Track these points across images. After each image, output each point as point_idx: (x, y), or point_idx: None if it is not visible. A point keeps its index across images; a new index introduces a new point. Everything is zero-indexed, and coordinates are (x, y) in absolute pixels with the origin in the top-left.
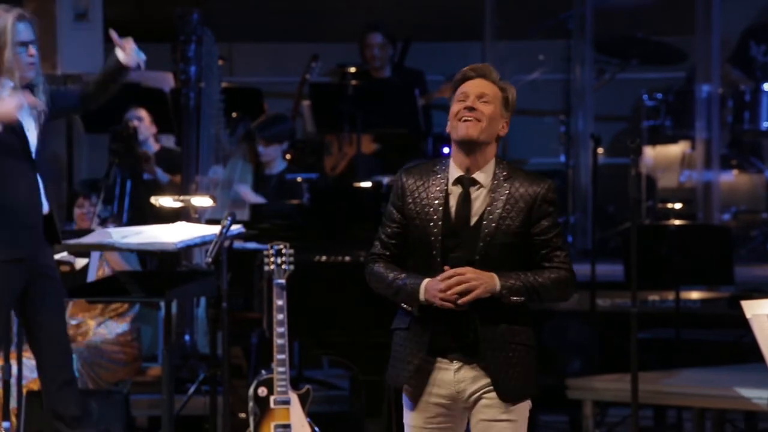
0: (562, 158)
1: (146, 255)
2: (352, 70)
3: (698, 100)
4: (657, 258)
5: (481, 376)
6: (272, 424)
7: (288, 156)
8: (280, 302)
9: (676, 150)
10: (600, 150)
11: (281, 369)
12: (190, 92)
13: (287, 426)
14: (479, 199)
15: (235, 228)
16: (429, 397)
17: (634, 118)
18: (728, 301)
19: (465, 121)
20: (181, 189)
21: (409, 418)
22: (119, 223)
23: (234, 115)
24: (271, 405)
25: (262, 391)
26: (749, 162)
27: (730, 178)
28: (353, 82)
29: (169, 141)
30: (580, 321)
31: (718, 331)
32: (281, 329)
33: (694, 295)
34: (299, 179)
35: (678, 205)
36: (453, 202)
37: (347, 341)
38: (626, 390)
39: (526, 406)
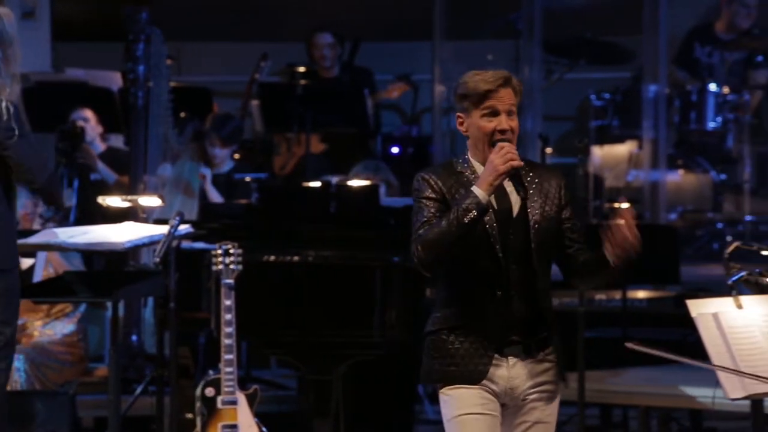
0: None
1: (93, 255)
2: (302, 69)
3: (645, 100)
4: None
5: (534, 371)
6: (219, 425)
7: (236, 156)
8: (228, 302)
9: (623, 150)
10: (548, 149)
11: (229, 369)
12: (139, 92)
13: (234, 426)
14: (512, 190)
15: (184, 228)
16: (479, 389)
17: (581, 118)
18: (674, 300)
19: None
20: (129, 189)
21: (461, 406)
22: (66, 224)
23: (182, 114)
24: (219, 405)
25: (210, 391)
26: (695, 162)
27: (676, 177)
28: (302, 81)
29: (118, 141)
30: None
31: (664, 329)
32: (229, 329)
33: (641, 294)
34: (248, 179)
35: (625, 205)
36: (492, 199)
37: (295, 341)
38: (573, 389)
39: None
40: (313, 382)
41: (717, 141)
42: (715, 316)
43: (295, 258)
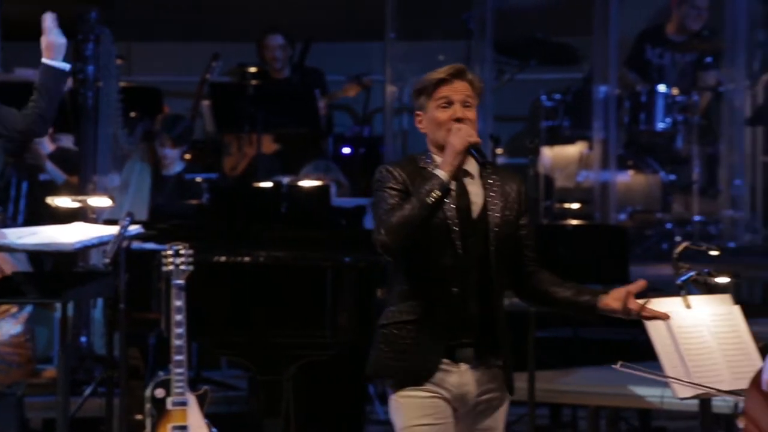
0: None
1: (42, 256)
2: (253, 70)
3: (595, 101)
4: (554, 257)
5: (484, 380)
6: (169, 426)
7: (187, 156)
8: (178, 303)
9: (573, 150)
10: (499, 150)
11: (179, 370)
12: (88, 92)
13: (184, 427)
14: (473, 190)
15: (134, 228)
16: (431, 397)
17: (532, 119)
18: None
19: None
20: (78, 189)
21: (405, 418)
22: (15, 224)
23: (132, 114)
24: (169, 406)
25: (160, 392)
26: (645, 162)
27: (626, 178)
28: (254, 82)
29: (67, 141)
30: None
31: (614, 330)
32: (179, 330)
33: None
34: (198, 179)
35: (575, 205)
36: (451, 194)
37: (246, 341)
38: (523, 389)
39: None
40: (263, 383)
41: (666, 142)
42: None
43: (246, 258)
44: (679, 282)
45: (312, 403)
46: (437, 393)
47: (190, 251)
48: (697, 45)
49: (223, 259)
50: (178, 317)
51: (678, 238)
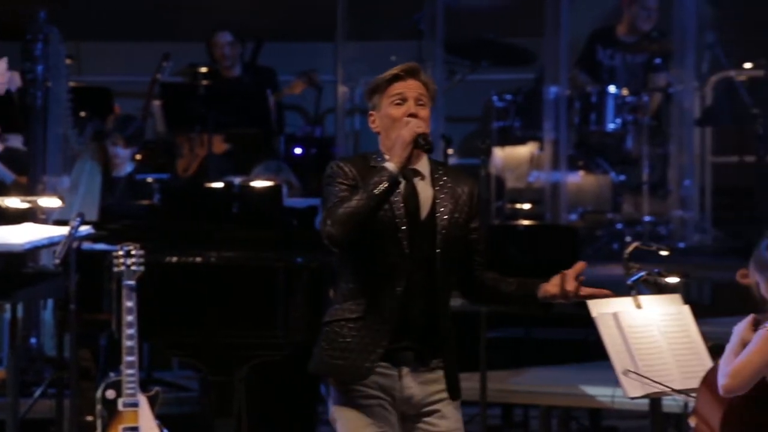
0: None
1: None
2: (204, 69)
3: (546, 102)
4: (505, 258)
5: (428, 382)
6: (120, 427)
7: (138, 156)
8: (129, 304)
9: (524, 151)
10: (450, 150)
11: (130, 371)
12: (37, 91)
13: (135, 429)
14: (423, 191)
15: (84, 229)
16: (369, 398)
17: (484, 119)
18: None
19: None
20: (27, 189)
21: (344, 412)
22: None
23: (82, 114)
24: (120, 407)
25: (111, 393)
26: (595, 163)
27: (576, 178)
28: (205, 81)
29: (16, 141)
30: None
31: (565, 329)
32: (130, 331)
33: None
34: (149, 180)
35: (527, 206)
36: (400, 194)
37: (198, 342)
38: (475, 389)
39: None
40: (215, 383)
41: (616, 142)
42: (615, 315)
43: (198, 259)
44: (629, 282)
45: (264, 403)
46: (381, 397)
47: (141, 252)
48: (646, 46)
49: (174, 259)
50: (129, 318)
51: (628, 239)
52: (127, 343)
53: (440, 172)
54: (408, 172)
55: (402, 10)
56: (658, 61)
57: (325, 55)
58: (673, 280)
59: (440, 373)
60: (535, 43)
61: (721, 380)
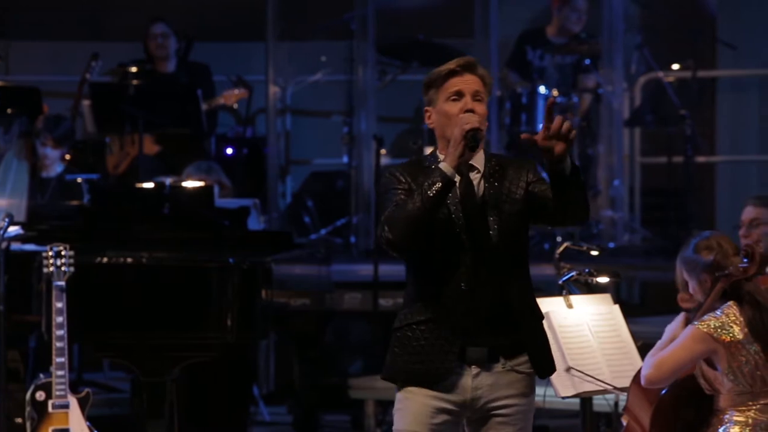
0: (345, 159)
1: None
2: (134, 69)
3: None
4: None
5: (498, 383)
6: (50, 429)
7: (67, 157)
8: (59, 305)
9: None
10: (383, 151)
11: (60, 372)
12: None
13: (66, 431)
14: (479, 184)
15: (13, 229)
16: (438, 401)
17: (415, 119)
18: None
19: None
20: None
21: (408, 423)
22: None
23: (9, 111)
24: (50, 409)
25: (40, 395)
26: None
27: None
28: (134, 81)
29: None
30: (363, 321)
31: None
32: (60, 332)
33: None
34: (79, 180)
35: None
36: (457, 190)
37: (129, 343)
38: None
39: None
40: (146, 385)
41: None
42: (547, 315)
43: (129, 260)
44: (560, 282)
45: (196, 404)
46: (444, 397)
47: (71, 252)
48: (576, 47)
49: (104, 260)
50: (59, 319)
51: (559, 239)
52: (57, 344)
53: (493, 163)
54: (463, 167)
55: (333, 10)
56: (587, 62)
57: (255, 55)
58: (603, 279)
59: (517, 376)
60: (465, 44)
61: (645, 370)
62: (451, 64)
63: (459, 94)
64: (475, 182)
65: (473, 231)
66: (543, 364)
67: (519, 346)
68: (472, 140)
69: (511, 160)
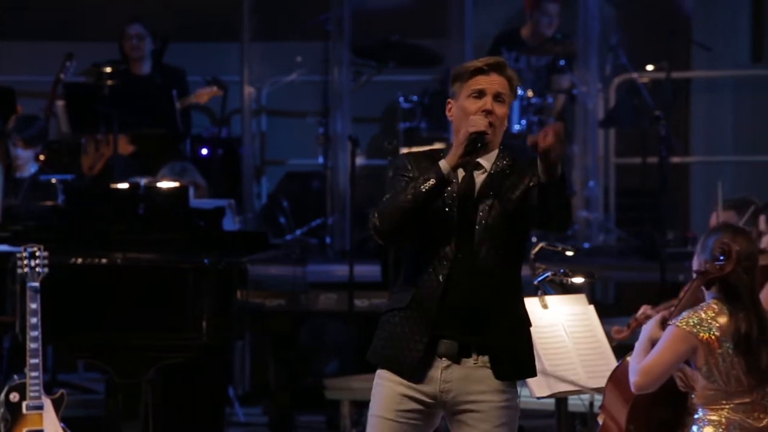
0: (321, 159)
1: None
2: (108, 69)
3: None
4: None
5: (470, 378)
6: (24, 430)
7: (42, 157)
8: (33, 306)
9: None
10: (358, 151)
11: (34, 373)
12: None
13: None
14: (481, 182)
15: None
16: (406, 389)
17: (390, 120)
18: None
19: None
20: None
21: (377, 408)
22: None
23: None
24: (24, 410)
25: (14, 396)
26: None
27: None
28: (109, 81)
29: None
30: (338, 321)
31: None
32: (35, 333)
33: None
34: (54, 181)
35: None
36: (456, 184)
37: (103, 344)
38: None
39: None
40: (121, 386)
41: (522, 143)
42: None
43: (103, 260)
44: (535, 282)
45: (170, 405)
46: (415, 387)
47: (46, 253)
48: (550, 48)
49: (79, 261)
50: (34, 320)
51: (534, 239)
52: (31, 345)
53: (505, 162)
54: (469, 165)
55: (308, 11)
56: (562, 63)
57: (230, 55)
58: (578, 280)
59: (488, 372)
60: (440, 45)
61: (633, 377)
62: (479, 62)
63: (481, 93)
64: (478, 180)
65: (463, 227)
66: (503, 366)
67: (488, 345)
68: (472, 144)
69: (519, 163)
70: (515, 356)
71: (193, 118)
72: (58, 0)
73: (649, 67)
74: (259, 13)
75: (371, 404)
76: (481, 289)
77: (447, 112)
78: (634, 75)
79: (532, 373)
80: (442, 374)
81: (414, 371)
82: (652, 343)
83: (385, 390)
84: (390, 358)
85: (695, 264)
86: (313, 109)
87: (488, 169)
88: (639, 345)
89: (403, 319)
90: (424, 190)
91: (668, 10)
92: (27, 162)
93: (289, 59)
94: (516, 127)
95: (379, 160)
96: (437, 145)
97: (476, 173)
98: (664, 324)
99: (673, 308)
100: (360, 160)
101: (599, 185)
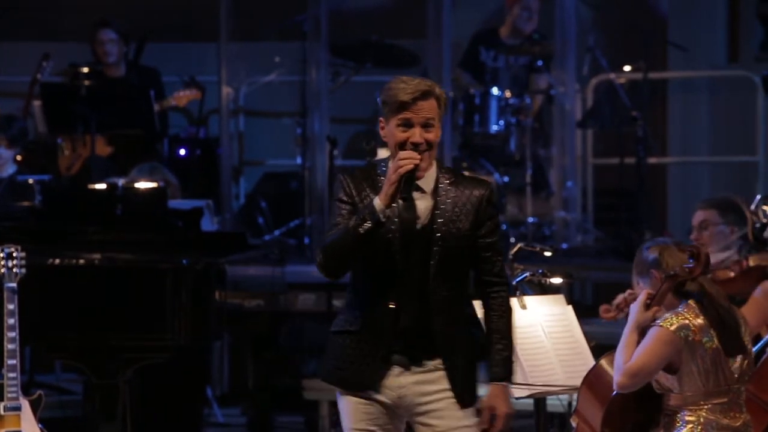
0: (299, 160)
1: None
2: (85, 70)
3: None
4: None
5: (423, 380)
6: None
7: (18, 157)
8: (11, 306)
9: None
10: (336, 152)
11: (12, 374)
12: None
13: None
14: (422, 203)
15: None
16: (366, 405)
17: (369, 120)
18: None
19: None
20: None
21: (349, 423)
22: None
23: None
24: (1, 412)
25: None
26: (479, 164)
27: None
28: (86, 82)
29: None
30: (317, 322)
31: None
32: (12, 334)
33: None
34: (31, 181)
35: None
36: (396, 208)
37: (81, 345)
38: None
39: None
40: (99, 387)
41: (500, 144)
42: None
43: (81, 261)
44: (514, 283)
45: (149, 406)
46: (375, 399)
47: (23, 254)
48: (528, 48)
49: (56, 261)
50: (11, 321)
51: (512, 240)
52: (9, 346)
53: (447, 181)
54: (406, 191)
55: (285, 11)
56: (539, 63)
57: (208, 55)
58: (556, 280)
59: (440, 374)
60: (418, 45)
61: (617, 377)
62: (404, 95)
63: (408, 124)
64: (419, 204)
65: (409, 254)
66: (462, 389)
67: (436, 351)
68: (404, 183)
69: (467, 181)
70: (471, 376)
71: (171, 119)
72: (34, 0)
73: (626, 68)
74: (237, 13)
75: (341, 419)
76: (430, 317)
77: (380, 130)
78: (612, 75)
79: (484, 378)
80: (396, 381)
81: (368, 386)
82: (639, 326)
83: (349, 406)
84: (345, 379)
85: (639, 280)
86: (291, 109)
87: (428, 191)
88: (627, 328)
89: (355, 342)
90: (362, 231)
91: (644, 11)
92: (6, 162)
93: (267, 59)
94: (494, 128)
95: (357, 161)
96: (383, 153)
97: (416, 194)
98: (648, 306)
99: (656, 295)
100: (338, 161)
101: (577, 185)
